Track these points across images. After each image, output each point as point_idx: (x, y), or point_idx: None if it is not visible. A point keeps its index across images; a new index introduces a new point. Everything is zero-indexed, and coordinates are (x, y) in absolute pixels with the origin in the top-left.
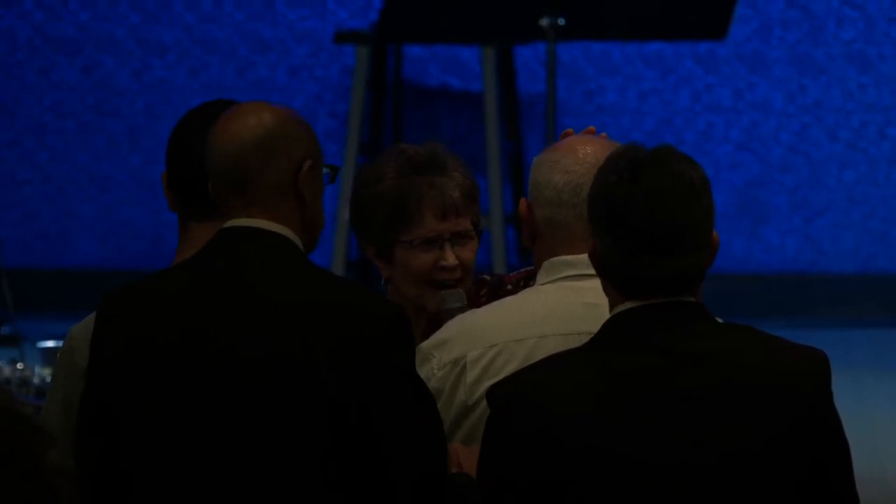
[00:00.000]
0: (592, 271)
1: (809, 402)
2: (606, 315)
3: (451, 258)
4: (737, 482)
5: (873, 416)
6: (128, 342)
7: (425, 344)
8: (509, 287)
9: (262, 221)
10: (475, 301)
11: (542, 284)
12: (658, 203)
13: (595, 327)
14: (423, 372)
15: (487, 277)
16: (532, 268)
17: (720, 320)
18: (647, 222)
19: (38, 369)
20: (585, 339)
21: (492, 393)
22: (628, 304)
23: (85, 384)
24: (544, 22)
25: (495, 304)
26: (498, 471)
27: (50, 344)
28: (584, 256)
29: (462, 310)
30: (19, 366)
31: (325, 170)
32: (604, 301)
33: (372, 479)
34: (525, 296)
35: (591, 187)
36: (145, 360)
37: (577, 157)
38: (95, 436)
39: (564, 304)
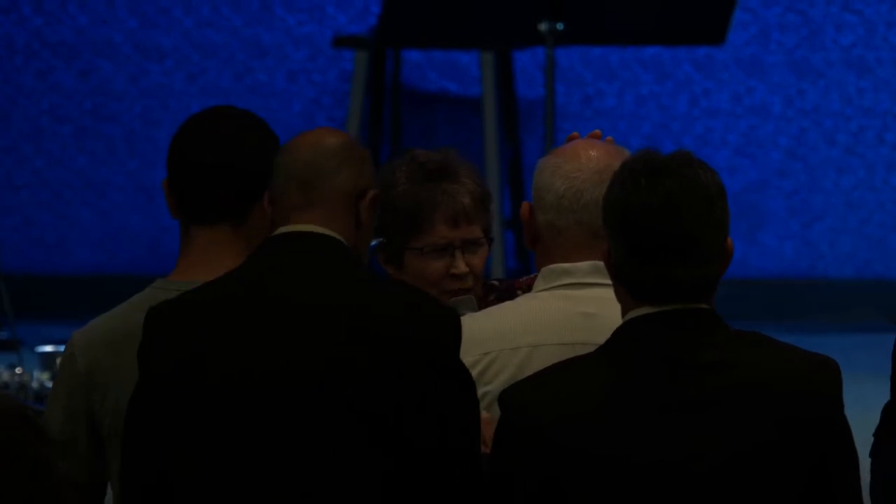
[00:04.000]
0: (589, 280)
1: (820, 411)
2: (602, 325)
3: (461, 266)
4: (747, 489)
5: (871, 421)
6: (180, 357)
7: None
8: (519, 292)
9: (318, 227)
10: (484, 307)
11: (539, 292)
12: (674, 209)
13: (591, 337)
14: None
15: (496, 283)
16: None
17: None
18: (663, 229)
19: (36, 374)
20: (579, 348)
21: (503, 397)
22: (642, 310)
23: (131, 400)
24: (543, 27)
25: (492, 309)
26: (507, 473)
27: (48, 348)
28: (582, 265)
29: None
30: (18, 370)
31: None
32: (600, 311)
33: (430, 484)
34: (522, 303)
35: (607, 191)
36: (200, 376)
37: (580, 163)
38: (144, 453)
39: (560, 314)
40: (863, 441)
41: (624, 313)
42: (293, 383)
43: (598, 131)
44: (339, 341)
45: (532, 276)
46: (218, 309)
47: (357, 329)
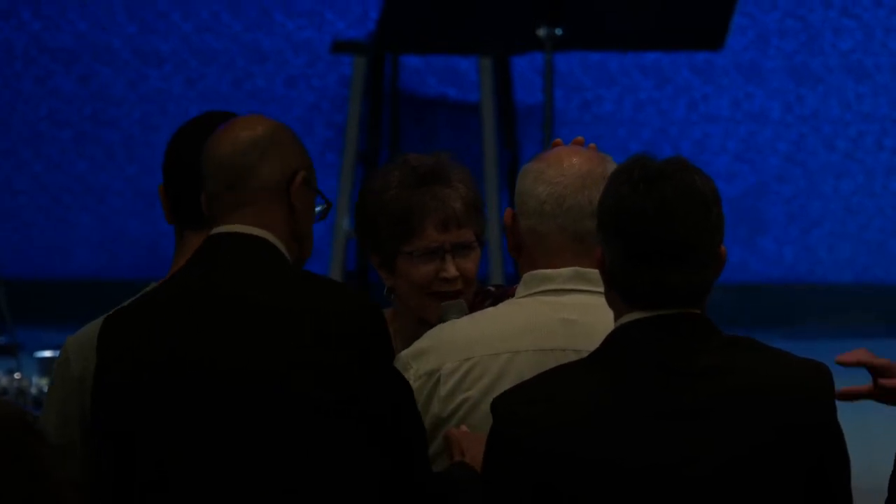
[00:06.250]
0: (570, 286)
1: (813, 416)
2: (583, 331)
3: (451, 269)
4: (739, 495)
5: (868, 427)
6: (128, 362)
7: (405, 352)
8: None
9: (248, 227)
10: None
11: (520, 298)
12: (669, 215)
13: (571, 343)
14: None
15: (492, 289)
16: None
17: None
18: (659, 234)
19: (35, 379)
20: (560, 354)
21: (496, 405)
22: (635, 315)
23: (91, 407)
24: (541, 32)
25: (475, 314)
26: (501, 483)
27: (47, 354)
28: (563, 270)
29: None
30: (17, 376)
31: (317, 207)
32: (581, 317)
33: (369, 472)
34: (503, 308)
35: (602, 197)
36: (145, 379)
37: (562, 168)
38: (101, 456)
39: (540, 320)
40: (862, 445)
41: (616, 318)
42: (253, 381)
43: (580, 138)
44: (267, 342)
45: None
46: (162, 313)
47: (285, 330)
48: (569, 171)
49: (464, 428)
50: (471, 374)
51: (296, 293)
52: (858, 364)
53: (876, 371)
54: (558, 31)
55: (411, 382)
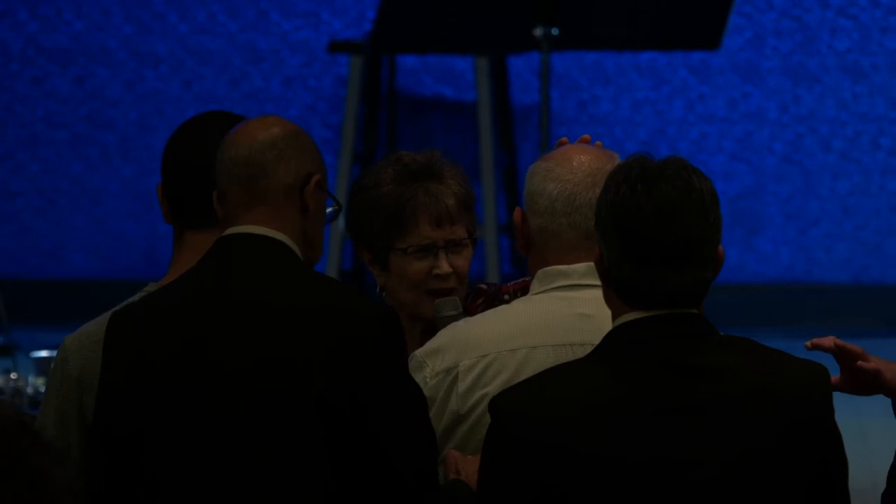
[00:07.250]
0: (586, 281)
1: (811, 416)
2: (599, 326)
3: (444, 266)
4: (736, 495)
5: (865, 427)
6: (135, 361)
7: (419, 351)
8: (506, 297)
9: (261, 228)
10: (471, 310)
11: (535, 294)
12: (668, 215)
13: (587, 338)
14: (416, 379)
15: (484, 286)
16: (529, 278)
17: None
18: (657, 234)
19: (31, 379)
20: (577, 349)
21: (495, 402)
22: (633, 315)
23: (95, 405)
24: (538, 32)
25: (489, 312)
26: (499, 480)
27: (43, 354)
28: (578, 266)
29: (457, 317)
30: (13, 376)
31: (328, 209)
32: (597, 312)
33: (368, 478)
34: (518, 305)
35: (601, 196)
36: (151, 377)
37: (572, 167)
38: (106, 454)
39: (556, 315)
40: (859, 446)
41: (614, 317)
42: (233, 379)
43: (587, 136)
44: (276, 340)
45: (520, 280)
46: (171, 312)
47: (295, 329)
48: (578, 168)
49: (470, 458)
50: (489, 370)
51: (307, 295)
52: (833, 347)
53: (849, 357)
54: (555, 31)
55: (428, 380)
